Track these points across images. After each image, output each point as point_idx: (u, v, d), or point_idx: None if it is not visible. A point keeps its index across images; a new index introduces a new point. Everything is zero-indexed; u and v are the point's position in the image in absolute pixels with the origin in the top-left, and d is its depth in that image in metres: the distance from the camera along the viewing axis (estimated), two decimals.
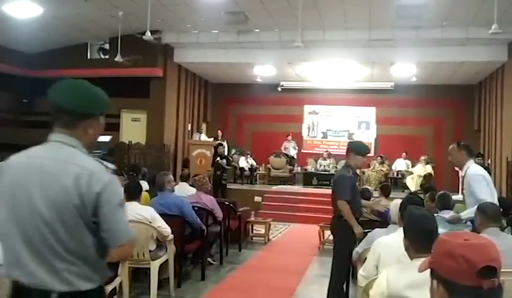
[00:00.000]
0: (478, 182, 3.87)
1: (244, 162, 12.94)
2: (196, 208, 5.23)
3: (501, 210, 3.58)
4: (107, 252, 1.65)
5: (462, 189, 4.13)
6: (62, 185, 1.55)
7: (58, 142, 1.63)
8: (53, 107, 1.64)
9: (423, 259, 1.39)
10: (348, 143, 4.64)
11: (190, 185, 6.35)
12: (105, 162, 1.77)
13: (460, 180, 4.21)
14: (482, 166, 10.72)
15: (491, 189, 3.90)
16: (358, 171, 5.49)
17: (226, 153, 12.30)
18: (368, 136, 13.86)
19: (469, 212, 3.76)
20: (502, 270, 1.14)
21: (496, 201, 3.75)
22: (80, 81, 1.70)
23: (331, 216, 4.37)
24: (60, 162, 1.59)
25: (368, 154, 4.76)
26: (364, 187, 8.69)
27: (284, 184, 12.77)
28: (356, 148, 4.24)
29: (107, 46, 11.59)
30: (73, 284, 1.57)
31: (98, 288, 1.64)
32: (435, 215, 3.39)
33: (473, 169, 3.97)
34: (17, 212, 1.57)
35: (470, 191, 3.87)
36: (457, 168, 4.12)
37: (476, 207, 3.40)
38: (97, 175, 1.58)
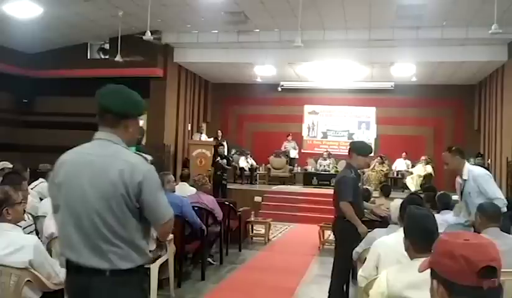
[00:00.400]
0: (487, 181, 3.94)
1: (244, 162, 12.93)
2: (196, 208, 5.23)
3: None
4: (149, 233, 1.94)
5: (461, 193, 4.11)
6: (109, 178, 1.79)
7: (104, 140, 1.89)
8: (99, 109, 1.91)
9: (423, 259, 1.39)
10: (350, 143, 4.60)
11: (190, 185, 6.35)
12: (143, 155, 2.20)
13: (458, 184, 4.17)
14: (482, 166, 10.75)
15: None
16: (361, 172, 5.48)
17: (226, 153, 12.30)
18: (368, 136, 13.85)
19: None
20: (502, 270, 1.14)
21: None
22: (122, 86, 1.97)
23: (333, 217, 4.36)
24: (107, 157, 1.84)
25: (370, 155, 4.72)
26: (364, 187, 8.69)
27: (284, 184, 12.77)
28: (358, 148, 4.19)
29: (107, 46, 11.58)
30: (115, 263, 1.80)
31: (136, 268, 1.85)
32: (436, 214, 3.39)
33: (478, 170, 4.01)
34: (71, 202, 1.84)
35: (479, 192, 3.87)
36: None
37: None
38: (138, 167, 1.83)
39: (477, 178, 3.96)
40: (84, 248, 1.81)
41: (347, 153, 4.30)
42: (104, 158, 1.84)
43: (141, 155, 2.01)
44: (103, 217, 1.79)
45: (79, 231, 1.82)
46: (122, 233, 1.81)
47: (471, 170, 4.05)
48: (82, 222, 1.81)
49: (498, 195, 3.73)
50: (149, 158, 2.20)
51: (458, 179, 4.19)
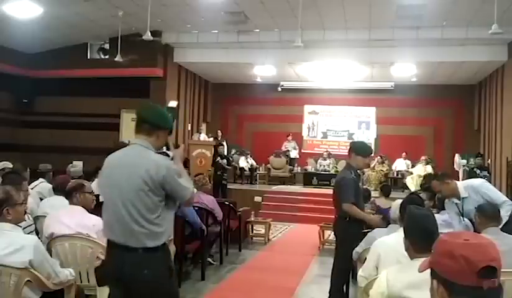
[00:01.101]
0: (489, 188, 3.98)
1: (244, 162, 12.93)
2: (196, 208, 5.23)
3: None
4: (170, 218, 2.42)
5: (461, 214, 4.08)
6: (139, 175, 2.28)
7: (138, 145, 2.41)
8: (139, 120, 2.45)
9: (423, 259, 1.39)
10: (350, 143, 4.56)
11: None
12: (166, 151, 2.81)
13: (453, 207, 4.15)
14: (481, 166, 10.66)
15: None
16: (360, 172, 5.44)
17: (226, 153, 12.30)
18: (368, 136, 13.86)
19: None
20: (502, 270, 1.14)
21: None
22: (158, 105, 2.60)
23: (333, 217, 4.34)
24: (138, 159, 2.35)
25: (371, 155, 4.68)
26: (364, 187, 8.69)
27: (284, 184, 12.76)
28: (357, 149, 4.14)
29: (107, 46, 11.57)
30: (143, 242, 2.28)
31: (161, 246, 2.33)
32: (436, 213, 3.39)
33: (475, 182, 4.03)
34: (112, 194, 2.35)
35: (485, 200, 3.86)
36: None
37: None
38: (161, 163, 2.34)
39: (479, 189, 3.94)
40: (120, 230, 2.31)
41: (347, 153, 4.29)
42: (136, 160, 2.36)
43: (164, 152, 2.64)
44: (135, 205, 2.28)
45: (117, 216, 2.31)
46: (149, 218, 2.29)
47: (468, 185, 4.03)
48: (119, 210, 2.30)
49: (504, 198, 3.73)
50: (170, 154, 2.72)
51: (450, 202, 4.17)
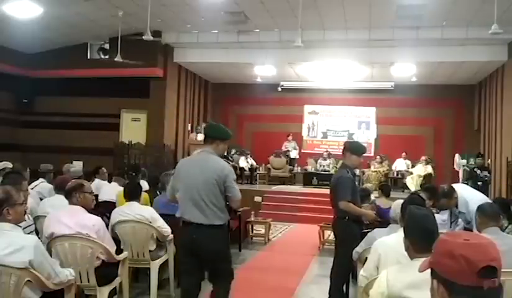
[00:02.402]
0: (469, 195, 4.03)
1: (244, 162, 12.92)
2: None
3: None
4: (228, 204, 3.33)
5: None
6: (209, 171, 3.22)
7: (206, 151, 3.34)
8: (206, 135, 3.49)
9: (423, 259, 1.39)
10: (344, 142, 4.58)
11: None
12: (228, 160, 4.47)
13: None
14: (482, 166, 10.61)
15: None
16: (357, 171, 5.46)
17: (226, 153, 12.29)
18: (368, 136, 13.86)
19: None
20: (502, 270, 1.14)
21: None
22: (220, 124, 3.71)
23: (332, 217, 4.35)
24: (208, 161, 3.28)
25: (368, 154, 4.72)
26: (363, 186, 8.68)
27: (284, 184, 12.76)
28: (351, 148, 4.21)
29: (107, 46, 11.57)
30: (212, 220, 3.22)
31: (224, 225, 3.31)
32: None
33: (470, 201, 4.01)
34: (188, 185, 3.25)
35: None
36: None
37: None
38: (225, 167, 3.32)
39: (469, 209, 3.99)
40: (194, 211, 3.21)
41: (341, 153, 4.31)
42: (207, 162, 3.27)
43: (227, 159, 3.82)
44: (206, 193, 3.20)
45: (192, 201, 3.22)
46: (216, 203, 3.23)
47: (469, 203, 4.04)
48: (194, 196, 3.21)
49: (480, 198, 3.77)
50: (231, 162, 3.84)
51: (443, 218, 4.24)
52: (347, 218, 4.03)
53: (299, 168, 13.45)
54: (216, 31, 10.82)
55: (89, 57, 11.94)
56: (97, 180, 6.70)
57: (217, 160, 3.30)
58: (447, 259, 1.14)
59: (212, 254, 3.25)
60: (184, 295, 3.40)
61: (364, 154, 4.33)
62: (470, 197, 4.13)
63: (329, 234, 7.14)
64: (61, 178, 4.66)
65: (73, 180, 3.79)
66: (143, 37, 8.62)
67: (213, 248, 3.22)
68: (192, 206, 3.19)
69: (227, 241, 3.42)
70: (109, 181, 6.62)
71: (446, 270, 1.15)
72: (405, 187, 12.02)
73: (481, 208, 3.25)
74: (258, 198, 10.78)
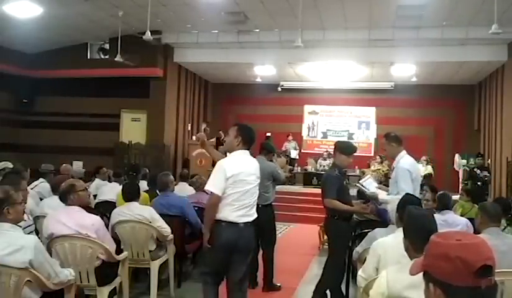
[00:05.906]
0: (404, 176, 3.90)
1: None
2: (196, 208, 5.22)
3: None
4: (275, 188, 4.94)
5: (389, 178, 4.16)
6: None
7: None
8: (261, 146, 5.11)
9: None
10: (335, 142, 4.60)
11: (189, 184, 6.34)
12: (271, 162, 5.18)
13: (392, 170, 4.22)
14: (482, 166, 10.62)
15: (414, 185, 3.96)
16: (357, 171, 5.46)
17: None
18: (368, 136, 13.86)
19: (387, 199, 3.91)
20: (502, 270, 1.14)
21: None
22: (269, 140, 7.28)
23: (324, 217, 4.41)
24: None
25: (368, 154, 4.75)
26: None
27: (284, 184, 12.72)
28: (341, 147, 4.28)
29: (107, 46, 11.57)
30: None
31: (269, 204, 4.90)
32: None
33: (402, 163, 3.99)
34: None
35: (395, 182, 3.95)
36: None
37: (397, 196, 3.46)
38: (271, 165, 4.99)
39: (397, 169, 3.98)
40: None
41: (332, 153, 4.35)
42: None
43: (270, 161, 5.14)
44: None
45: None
46: (265, 191, 4.58)
47: (399, 160, 4.03)
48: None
49: (406, 189, 3.69)
50: (273, 163, 5.05)
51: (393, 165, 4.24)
52: (336, 216, 4.07)
53: (299, 168, 13.44)
54: (216, 31, 10.82)
55: (89, 57, 11.95)
56: (97, 180, 6.71)
57: (266, 162, 4.87)
58: (443, 262, 1.14)
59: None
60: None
61: (355, 154, 4.38)
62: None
63: None
64: (58, 178, 4.65)
65: (64, 182, 3.68)
66: (143, 37, 8.61)
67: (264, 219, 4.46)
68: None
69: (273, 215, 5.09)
70: (109, 181, 6.63)
71: (442, 273, 1.15)
72: None
73: (483, 207, 3.21)
74: None
